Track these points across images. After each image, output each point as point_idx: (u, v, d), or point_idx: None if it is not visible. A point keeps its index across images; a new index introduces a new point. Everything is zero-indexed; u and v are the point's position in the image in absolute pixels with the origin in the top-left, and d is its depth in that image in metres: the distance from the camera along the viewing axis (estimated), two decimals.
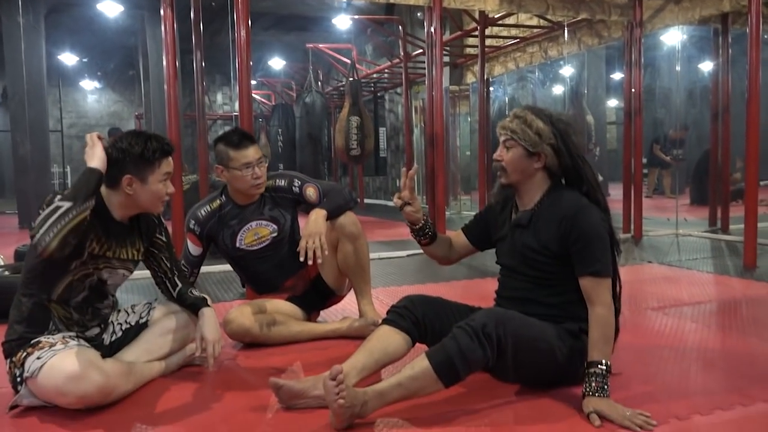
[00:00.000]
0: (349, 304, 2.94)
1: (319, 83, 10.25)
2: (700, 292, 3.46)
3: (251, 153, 2.54)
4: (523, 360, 1.84)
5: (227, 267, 4.40)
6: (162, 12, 4.40)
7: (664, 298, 3.27)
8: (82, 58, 11.50)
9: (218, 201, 2.66)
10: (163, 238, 2.21)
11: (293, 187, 2.67)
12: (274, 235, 2.66)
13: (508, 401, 1.90)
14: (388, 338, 1.98)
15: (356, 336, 2.56)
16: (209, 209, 2.66)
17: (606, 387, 1.77)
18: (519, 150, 1.96)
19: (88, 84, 16.00)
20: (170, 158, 2.01)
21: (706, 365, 2.23)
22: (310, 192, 2.65)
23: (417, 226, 2.16)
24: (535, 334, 1.85)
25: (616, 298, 1.96)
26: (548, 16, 6.03)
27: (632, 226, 5.78)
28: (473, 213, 8.37)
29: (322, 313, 2.90)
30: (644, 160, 7.86)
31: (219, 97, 15.41)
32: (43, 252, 1.73)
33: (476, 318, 1.78)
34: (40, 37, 8.99)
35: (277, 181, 2.69)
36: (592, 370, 1.79)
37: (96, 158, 1.86)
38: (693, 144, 7.60)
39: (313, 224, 2.45)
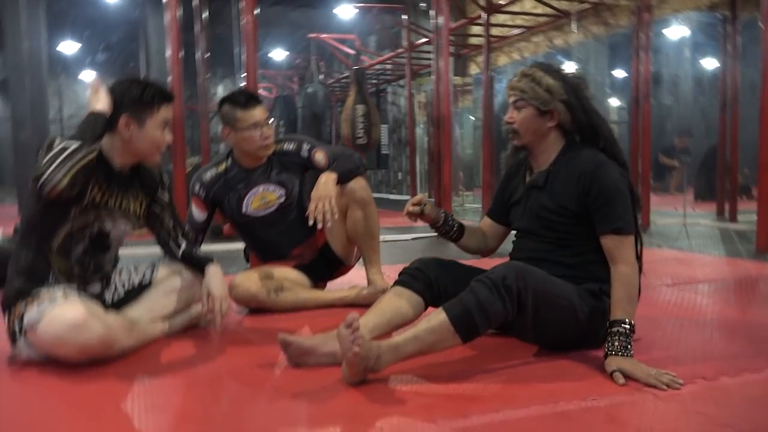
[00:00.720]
0: (356, 277, 2.87)
1: (321, 75, 10.19)
2: (714, 271, 3.40)
3: (259, 113, 2.47)
4: (543, 317, 1.76)
5: (229, 245, 4.35)
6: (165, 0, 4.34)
7: (677, 276, 3.20)
8: (82, 46, 11.40)
9: (224, 164, 2.58)
10: (166, 196, 2.14)
11: (302, 151, 2.59)
12: (282, 200, 2.58)
13: (526, 362, 1.83)
14: (401, 299, 1.90)
15: (365, 304, 2.48)
16: (215, 172, 2.58)
17: (629, 347, 1.69)
18: (530, 110, 1.87)
19: (88, 75, 15.93)
20: (170, 106, 1.95)
21: (729, 333, 2.16)
22: (319, 156, 2.57)
23: (439, 223, 2.08)
24: (557, 290, 1.77)
25: (638, 257, 1.87)
26: (556, 2, 5.95)
27: (642, 245, 5.69)
28: (477, 206, 8.28)
29: (328, 284, 2.82)
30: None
31: (220, 89, 15.32)
32: (52, 190, 1.66)
33: (496, 270, 1.71)
34: (40, 24, 8.93)
35: (286, 144, 2.61)
36: (615, 329, 1.71)
37: (101, 101, 1.80)
38: (702, 134, 7.53)
39: (323, 187, 2.37)
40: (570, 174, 1.85)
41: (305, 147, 2.60)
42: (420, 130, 10.72)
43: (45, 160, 1.66)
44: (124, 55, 13.81)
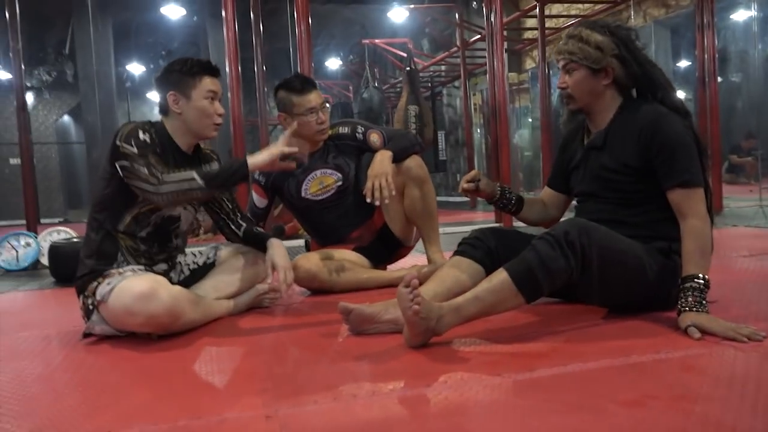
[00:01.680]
0: (415, 260, 2.85)
1: (376, 81, 10.27)
2: None
3: (314, 97, 2.49)
4: (609, 275, 1.69)
5: (291, 242, 4.40)
6: (224, 14, 4.44)
7: (755, 249, 3.03)
8: (147, 64, 11.88)
9: None
10: None
11: (357, 134, 2.60)
12: (339, 183, 2.60)
13: (594, 323, 1.77)
14: (460, 267, 1.87)
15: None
16: None
17: (704, 302, 1.61)
18: (582, 71, 1.80)
19: (155, 95, 16.57)
20: (214, 78, 2.00)
21: None
22: (374, 138, 2.57)
23: (496, 197, 2.04)
24: (623, 247, 1.70)
25: (709, 210, 1.76)
26: None
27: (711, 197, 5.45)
28: None
29: (388, 267, 2.81)
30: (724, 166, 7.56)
31: None
32: (153, 200, 1.85)
33: (558, 227, 1.65)
34: (110, 47, 9.36)
35: (341, 128, 2.63)
36: (688, 284, 1.62)
37: (257, 158, 1.90)
38: None
39: (379, 165, 2.37)
40: (630, 130, 1.78)
41: (360, 129, 2.61)
42: (477, 134, 10.63)
43: (171, 179, 1.81)
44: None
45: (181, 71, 1.96)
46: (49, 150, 14.77)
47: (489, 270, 1.82)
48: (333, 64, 12.83)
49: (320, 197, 2.61)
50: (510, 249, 1.85)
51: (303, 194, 2.60)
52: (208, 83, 1.97)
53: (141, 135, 1.87)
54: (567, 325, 1.76)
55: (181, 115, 1.97)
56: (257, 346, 1.77)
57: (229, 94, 4.55)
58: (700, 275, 1.63)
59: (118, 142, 1.86)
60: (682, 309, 1.62)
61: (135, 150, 1.84)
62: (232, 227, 2.21)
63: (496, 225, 4.96)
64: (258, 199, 2.63)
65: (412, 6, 8.72)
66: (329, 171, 2.60)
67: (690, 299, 1.61)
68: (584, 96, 1.83)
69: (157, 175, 1.81)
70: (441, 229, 2.71)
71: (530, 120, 10.48)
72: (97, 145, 9.38)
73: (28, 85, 12.81)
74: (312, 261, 2.46)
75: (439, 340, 1.62)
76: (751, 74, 6.96)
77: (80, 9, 8.58)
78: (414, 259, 2.84)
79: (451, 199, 11.92)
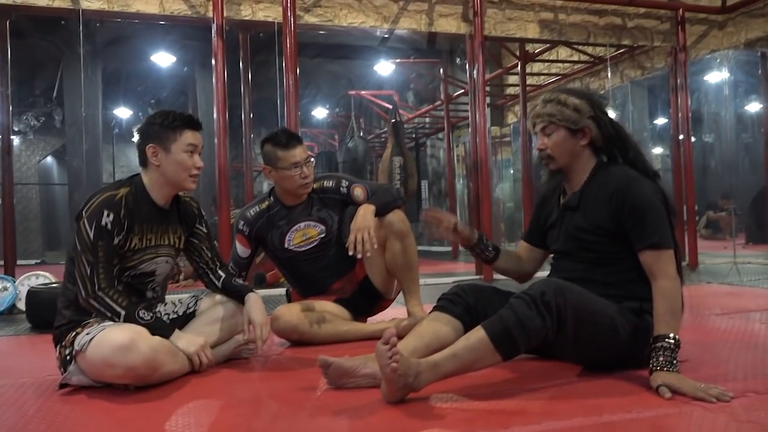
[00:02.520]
0: (396, 312, 2.87)
1: (361, 131, 10.43)
2: (767, 302, 3.27)
3: (299, 152, 2.55)
4: (584, 335, 1.73)
5: (272, 291, 4.41)
6: (213, 64, 4.54)
7: (728, 307, 3.10)
8: (135, 109, 11.98)
9: (267, 202, 2.67)
10: (204, 229, 2.23)
11: (341, 188, 2.66)
12: (323, 235, 2.64)
13: (569, 381, 1.80)
14: (439, 323, 1.90)
15: (405, 336, 2.49)
16: (258, 210, 2.65)
17: (675, 362, 1.65)
18: (561, 132, 1.89)
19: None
20: (195, 132, 2.03)
21: None
22: (358, 192, 2.62)
23: (473, 242, 2.08)
24: (597, 307, 1.75)
25: (679, 271, 1.81)
26: (590, 44, 6.03)
27: (687, 254, 5.57)
28: None
29: (368, 320, 2.83)
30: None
31: None
32: (84, 291, 1.89)
33: (534, 287, 1.70)
34: (98, 93, 9.43)
35: (325, 182, 2.68)
36: (659, 344, 1.67)
37: (181, 339, 1.97)
38: (747, 171, 7.38)
39: (362, 219, 2.42)
40: (602, 193, 1.85)
41: (344, 183, 2.66)
42: (460, 185, 10.77)
43: (100, 299, 1.87)
44: (175, 108, 14.41)
45: (162, 124, 1.99)
46: (29, 191, 14.67)
47: (468, 326, 1.85)
48: (320, 113, 13.02)
49: (303, 248, 2.64)
50: (489, 305, 1.89)
51: (286, 245, 2.63)
52: (188, 137, 2.01)
53: (104, 218, 1.87)
54: (542, 383, 1.78)
55: (160, 167, 1.99)
56: (235, 399, 1.77)
57: (215, 140, 4.62)
58: (671, 335, 1.67)
59: (83, 214, 1.88)
60: (654, 368, 1.66)
61: (91, 237, 1.86)
62: (211, 277, 2.23)
63: (477, 279, 5.01)
64: (241, 249, 2.65)
65: (398, 60, 8.95)
66: (313, 223, 2.64)
67: (661, 359, 1.65)
68: (563, 156, 1.91)
69: (92, 286, 1.86)
70: (422, 280, 2.75)
71: (512, 172, 10.66)
72: (81, 188, 9.36)
73: (15, 129, 12.83)
74: (293, 312, 2.48)
75: (417, 396, 1.64)
76: (723, 135, 7.21)
77: (71, 55, 8.69)
78: (395, 311, 2.86)
79: (432, 248, 11.97)
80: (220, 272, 2.23)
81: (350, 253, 2.35)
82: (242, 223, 2.65)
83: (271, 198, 2.68)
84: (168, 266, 2.14)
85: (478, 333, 1.66)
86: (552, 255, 2.08)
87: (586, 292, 1.76)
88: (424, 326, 1.92)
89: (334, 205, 2.68)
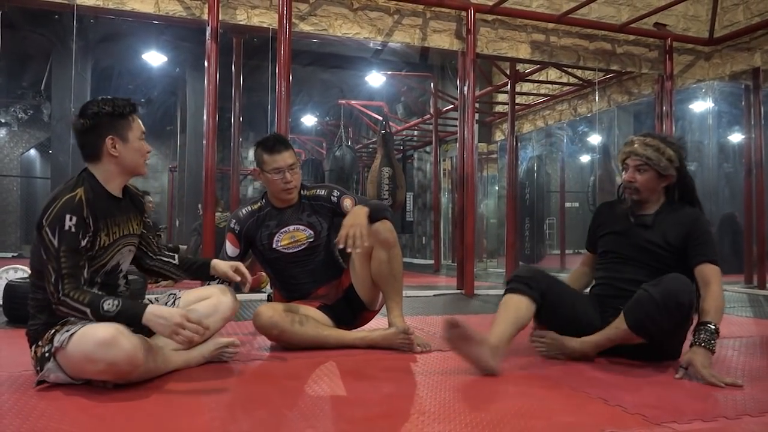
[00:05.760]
0: (378, 324, 2.89)
1: (349, 140, 10.47)
2: (741, 330, 3.34)
3: (283, 158, 2.61)
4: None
5: (252, 295, 4.40)
6: (206, 66, 4.55)
7: None
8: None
9: (259, 203, 2.74)
10: (149, 219, 2.25)
11: (332, 197, 2.71)
12: (311, 240, 2.68)
13: (540, 398, 1.82)
14: (521, 305, 2.24)
15: (385, 346, 2.51)
16: (249, 209, 2.73)
17: (713, 342, 2.05)
18: (652, 173, 2.34)
19: None
20: (138, 117, 2.02)
21: (755, 379, 2.12)
22: (347, 203, 2.67)
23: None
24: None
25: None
26: (579, 67, 6.13)
27: None
28: (500, 270, 8.24)
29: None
30: None
31: (250, 154, 15.77)
32: (52, 298, 1.83)
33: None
34: (87, 88, 9.37)
35: (318, 190, 2.75)
36: (704, 327, 2.07)
37: (156, 317, 1.83)
38: (727, 200, 7.52)
39: (354, 216, 2.45)
40: (677, 220, 2.34)
41: (336, 193, 2.72)
42: (445, 199, 10.83)
43: (68, 301, 1.79)
44: (164, 109, 14.33)
45: (114, 114, 1.93)
46: (10, 183, 14.52)
47: (539, 308, 2.27)
48: (308, 120, 13.05)
49: (291, 250, 2.68)
50: (555, 292, 2.32)
51: (274, 245, 2.68)
52: (139, 123, 2.01)
53: (68, 222, 1.81)
54: (514, 400, 1.81)
55: (118, 158, 1.96)
56: (213, 402, 1.77)
57: (204, 142, 4.62)
58: (714, 323, 2.08)
59: (44, 222, 1.82)
60: (695, 342, 2.07)
61: (55, 244, 1.80)
62: (165, 260, 2.24)
63: (458, 293, 5.04)
64: (230, 248, 2.69)
65: (389, 72, 9.01)
66: (302, 227, 2.69)
67: (702, 335, 2.06)
68: (646, 192, 2.38)
69: (57, 294, 1.79)
70: (405, 292, 2.76)
71: (497, 188, 10.76)
72: (65, 180, 9.27)
73: (2, 121, 12.70)
74: (275, 309, 2.49)
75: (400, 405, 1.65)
76: (705, 164, 7.34)
77: (62, 49, 8.63)
78: (377, 323, 2.87)
79: (415, 261, 12.02)
80: (170, 253, 2.27)
81: (340, 246, 2.38)
82: (233, 221, 2.71)
83: (263, 200, 2.75)
84: (130, 254, 2.13)
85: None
86: (605, 255, 2.47)
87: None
88: (511, 312, 2.22)
89: (324, 213, 2.73)
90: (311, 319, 2.54)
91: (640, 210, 2.42)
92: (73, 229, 1.82)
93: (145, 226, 2.19)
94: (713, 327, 2.06)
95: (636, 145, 2.36)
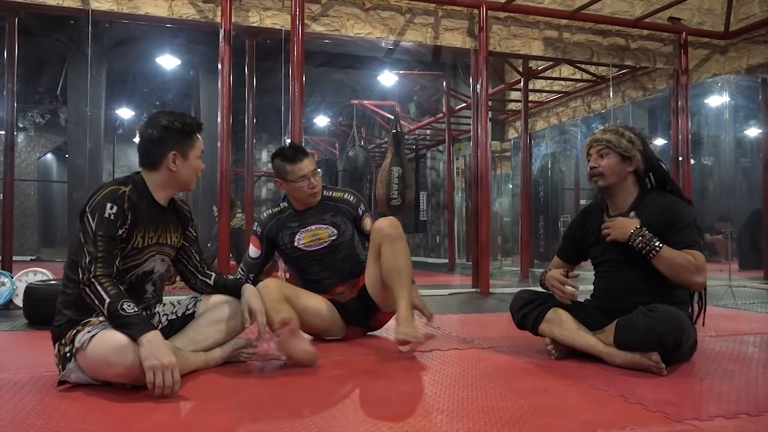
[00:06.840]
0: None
1: (362, 140, 10.47)
2: (762, 326, 3.30)
3: (305, 165, 2.72)
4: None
5: None
6: (220, 68, 4.57)
7: (722, 329, 3.12)
8: (141, 113, 12.03)
9: (280, 206, 2.86)
10: (194, 233, 2.26)
11: (359, 208, 2.85)
12: (333, 237, 2.77)
13: (561, 395, 1.82)
14: (563, 315, 2.32)
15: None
16: (272, 212, 2.85)
17: (642, 239, 2.17)
18: (614, 156, 2.31)
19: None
20: (200, 137, 2.08)
21: None
22: (367, 222, 2.81)
23: None
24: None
25: (703, 301, 2.42)
26: (593, 63, 6.08)
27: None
28: (515, 268, 8.19)
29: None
30: None
31: (264, 155, 15.83)
32: (82, 277, 1.86)
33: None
34: (102, 92, 9.46)
35: (347, 195, 2.86)
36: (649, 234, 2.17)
37: (153, 346, 1.76)
38: (744, 195, 7.42)
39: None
40: (655, 210, 2.26)
41: (363, 207, 2.86)
42: (458, 198, 10.80)
43: (94, 286, 1.82)
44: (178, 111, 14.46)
45: (182, 131, 2.01)
46: (28, 187, 14.68)
47: None
48: (321, 121, 13.08)
49: (312, 248, 2.76)
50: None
51: (296, 243, 2.77)
52: (200, 143, 2.07)
53: (108, 210, 1.88)
54: (535, 397, 1.80)
55: (176, 172, 2.02)
56: (232, 402, 1.78)
57: (218, 144, 4.64)
58: (661, 245, 2.15)
59: (87, 209, 1.90)
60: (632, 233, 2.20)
61: (93, 228, 1.86)
62: (202, 278, 2.25)
63: (474, 291, 5.03)
64: (253, 250, 2.80)
65: (401, 72, 9.01)
66: (324, 226, 2.78)
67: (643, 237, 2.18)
68: (613, 175, 2.32)
69: (90, 273, 1.83)
70: (419, 291, 2.75)
71: (510, 187, 10.72)
72: (81, 186, 9.36)
73: (20, 125, 12.85)
74: (281, 288, 2.53)
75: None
76: (722, 159, 7.25)
77: (78, 54, 8.72)
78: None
79: (429, 260, 12.01)
80: (209, 272, 2.26)
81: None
82: (256, 224, 2.85)
83: (285, 202, 2.86)
84: (165, 265, 2.16)
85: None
86: (599, 265, 2.41)
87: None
88: (565, 320, 2.31)
89: (348, 215, 2.84)
90: (312, 312, 2.62)
91: (615, 208, 2.37)
92: (112, 217, 1.88)
93: (187, 239, 2.22)
94: (657, 244, 2.15)
95: (596, 134, 2.39)
